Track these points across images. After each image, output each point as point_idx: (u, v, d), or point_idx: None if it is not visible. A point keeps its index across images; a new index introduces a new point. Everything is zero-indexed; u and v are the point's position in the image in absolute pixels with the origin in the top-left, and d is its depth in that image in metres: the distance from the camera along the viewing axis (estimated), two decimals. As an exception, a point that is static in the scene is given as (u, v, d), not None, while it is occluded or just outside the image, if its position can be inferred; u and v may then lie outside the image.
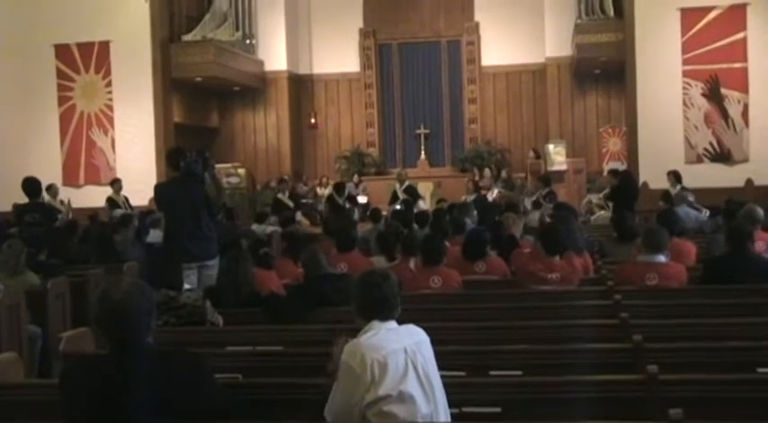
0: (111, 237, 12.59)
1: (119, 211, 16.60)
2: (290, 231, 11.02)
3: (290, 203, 19.57)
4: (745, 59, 19.45)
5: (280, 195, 20.19)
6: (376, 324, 4.22)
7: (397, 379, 4.06)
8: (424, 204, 18.49)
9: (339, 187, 19.67)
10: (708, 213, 13.51)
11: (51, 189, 18.11)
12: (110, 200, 18.13)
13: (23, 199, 12.21)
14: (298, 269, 8.50)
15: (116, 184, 18.46)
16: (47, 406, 4.46)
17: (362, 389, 4.03)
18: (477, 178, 21.86)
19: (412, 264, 8.53)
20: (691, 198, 14.53)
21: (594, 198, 18.55)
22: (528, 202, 16.56)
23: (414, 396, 4.07)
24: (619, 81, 22.21)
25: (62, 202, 17.39)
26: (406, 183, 20.32)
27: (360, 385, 4.04)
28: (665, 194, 14.75)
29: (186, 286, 7.27)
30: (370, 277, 4.35)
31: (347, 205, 18.12)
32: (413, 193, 19.19)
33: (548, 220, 11.14)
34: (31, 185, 12.19)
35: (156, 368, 3.92)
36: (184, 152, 9.68)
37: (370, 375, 4.03)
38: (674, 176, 16.68)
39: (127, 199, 18.29)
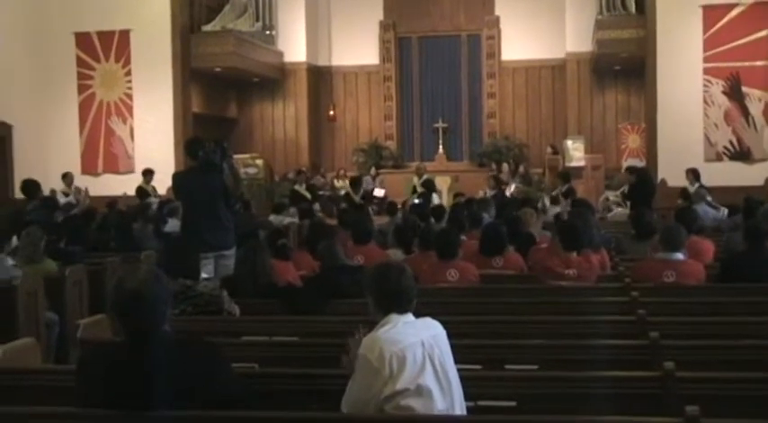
0: (129, 225, 12.65)
1: (153, 200, 16.63)
2: (316, 221, 11.02)
3: (308, 195, 19.60)
4: (766, 58, 19.33)
5: (297, 187, 20.23)
6: (393, 317, 4.21)
7: (414, 373, 4.05)
8: (438, 198, 18.47)
9: (355, 183, 19.67)
10: (726, 212, 13.45)
11: (67, 177, 18.23)
12: (140, 189, 18.15)
13: (43, 186, 12.27)
14: (314, 261, 8.51)
15: (148, 174, 18.59)
16: (63, 391, 4.48)
17: (380, 382, 4.02)
18: (498, 173, 21.80)
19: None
20: (708, 197, 14.48)
21: (612, 195, 18.49)
22: (546, 198, 16.54)
23: (431, 389, 4.07)
24: (639, 77, 22.11)
25: (78, 189, 17.48)
26: (425, 176, 20.31)
27: (378, 379, 4.03)
28: (684, 192, 14.71)
29: (203, 275, 7.29)
30: (387, 270, 4.34)
31: (362, 202, 18.13)
32: (430, 187, 19.19)
33: (565, 216, 11.11)
34: (27, 187, 12.25)
35: (173, 356, 3.94)
36: (203, 142, 9.71)
37: (389, 369, 4.02)
38: (693, 174, 16.63)
39: (155, 188, 18.35)
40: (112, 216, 13.83)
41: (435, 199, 17.88)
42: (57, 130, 21.06)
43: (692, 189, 15.55)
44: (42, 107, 20.67)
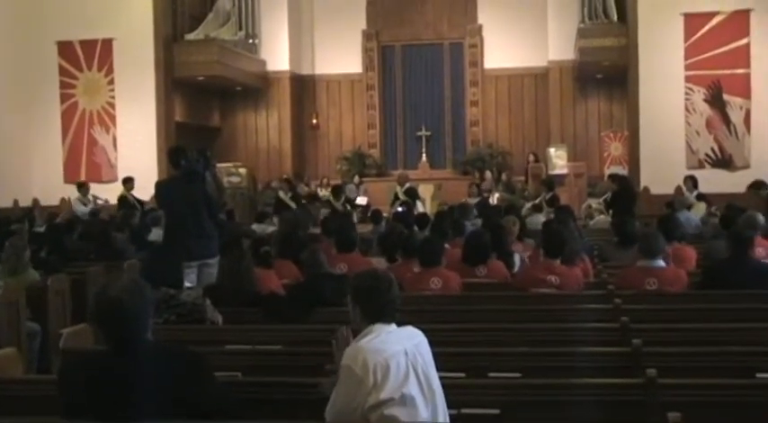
0: (110, 234, 12.61)
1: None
2: (287, 232, 11.00)
3: (292, 204, 19.56)
4: (747, 65, 19.44)
5: (281, 194, 20.19)
6: (377, 327, 4.19)
7: (398, 382, 4.04)
8: (422, 207, 18.47)
9: (336, 191, 19.65)
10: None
11: (83, 187, 18.21)
12: (122, 198, 18.05)
13: (26, 196, 12.25)
14: (296, 269, 8.49)
15: (129, 182, 18.38)
16: (45, 401, 4.46)
17: (364, 392, 4.01)
18: (479, 182, 21.83)
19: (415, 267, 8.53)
20: (705, 209, 14.50)
21: (594, 202, 18.52)
22: (527, 206, 16.55)
23: (415, 398, 4.06)
24: (621, 85, 22.21)
25: (95, 198, 17.56)
26: (407, 185, 20.32)
27: (361, 389, 4.01)
28: (670, 201, 14.76)
29: (186, 284, 7.27)
30: (377, 281, 4.30)
31: (347, 208, 18.11)
32: (413, 196, 19.19)
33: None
34: None
35: (156, 365, 3.93)
36: (185, 151, 9.71)
37: (373, 379, 4.00)
38: (692, 181, 16.47)
39: (136, 198, 18.26)
40: (94, 225, 13.78)
41: (419, 207, 17.88)
42: (39, 138, 21.01)
43: (690, 196, 15.58)
44: (25, 116, 20.61)
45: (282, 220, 12.56)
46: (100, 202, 17.69)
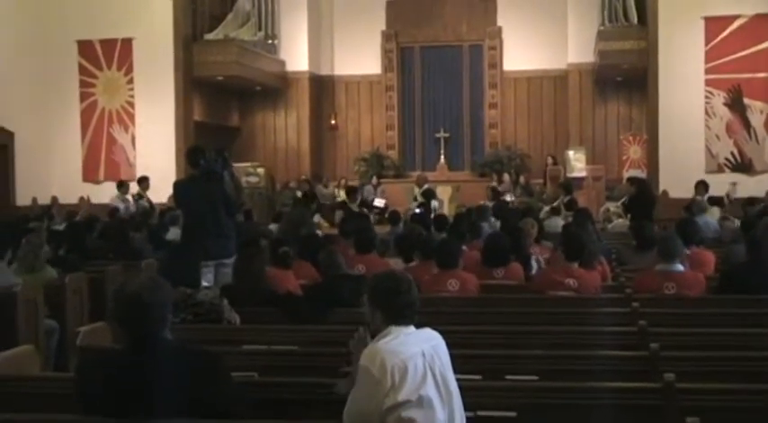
0: (128, 233, 12.64)
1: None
2: (306, 233, 11.02)
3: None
4: (768, 70, 19.38)
5: (299, 194, 20.18)
6: (394, 328, 4.18)
7: (416, 384, 4.03)
8: (438, 207, 18.45)
9: (351, 192, 19.62)
10: (737, 222, 13.37)
11: (123, 186, 18.23)
12: (137, 196, 18.10)
13: (45, 194, 12.29)
14: (314, 270, 8.49)
15: (144, 182, 18.38)
16: (62, 398, 4.48)
17: (381, 394, 3.99)
18: (496, 184, 21.80)
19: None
20: (719, 213, 14.43)
21: (612, 206, 18.46)
22: (546, 209, 16.51)
23: (432, 400, 4.05)
24: (641, 89, 22.14)
25: (140, 195, 17.60)
26: (425, 186, 20.31)
27: (379, 390, 3.99)
28: (689, 205, 14.68)
29: (204, 284, 7.29)
30: (398, 283, 4.28)
31: (362, 210, 18.10)
32: (430, 197, 19.17)
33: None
34: None
35: (174, 364, 3.94)
36: (204, 150, 9.71)
37: (390, 381, 3.99)
38: (703, 186, 16.38)
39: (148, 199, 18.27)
40: (113, 224, 13.82)
41: (434, 206, 17.85)
42: (59, 137, 21.10)
43: (703, 201, 15.50)
44: (44, 114, 20.70)
45: (285, 220, 12.58)
46: (142, 202, 17.60)
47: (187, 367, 3.98)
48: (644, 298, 7.14)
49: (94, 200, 20.05)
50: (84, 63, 21.29)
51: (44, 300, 8.76)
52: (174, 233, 12.82)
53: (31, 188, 20.05)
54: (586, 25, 22.85)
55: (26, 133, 20.02)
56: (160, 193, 17.99)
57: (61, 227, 13.71)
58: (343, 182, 23.76)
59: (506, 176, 23.06)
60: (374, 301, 4.26)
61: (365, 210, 18.82)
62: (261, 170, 23.29)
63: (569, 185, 17.93)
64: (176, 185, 10.21)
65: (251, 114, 25.86)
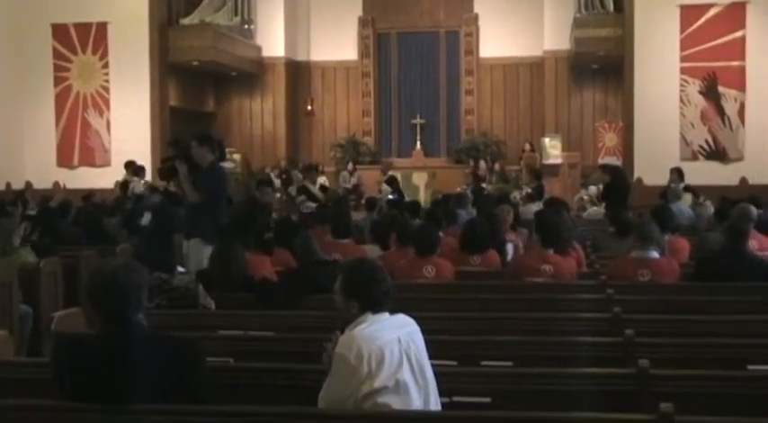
0: (101, 219, 12.58)
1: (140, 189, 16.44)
2: (281, 218, 10.97)
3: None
4: (743, 58, 19.43)
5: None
6: (370, 316, 4.18)
7: (392, 370, 4.05)
8: (397, 195, 18.42)
9: (308, 169, 19.30)
10: (712, 209, 13.42)
11: (142, 172, 17.86)
12: (124, 184, 17.32)
13: (18, 179, 12.19)
14: (289, 256, 8.47)
15: (130, 167, 17.84)
16: (36, 384, 4.46)
17: (358, 381, 4.00)
18: (479, 171, 21.83)
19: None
20: (688, 195, 14.50)
21: (586, 195, 18.52)
22: (519, 195, 16.55)
23: (408, 385, 4.06)
24: (616, 76, 22.20)
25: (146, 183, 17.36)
26: (390, 173, 20.32)
27: (355, 377, 4.01)
28: (664, 191, 14.74)
29: (179, 269, 7.27)
30: (374, 272, 4.30)
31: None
32: (393, 184, 19.17)
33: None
34: None
35: (148, 349, 3.93)
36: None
37: (367, 367, 4.00)
38: (677, 173, 16.40)
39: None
40: (87, 209, 13.74)
41: (388, 194, 17.87)
42: (33, 121, 20.94)
43: (677, 188, 15.54)
44: (18, 99, 20.55)
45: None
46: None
47: (162, 352, 3.97)
48: (619, 284, 7.16)
49: (69, 185, 19.90)
50: (59, 47, 21.11)
51: (18, 284, 8.70)
52: (146, 219, 12.74)
53: (4, 173, 19.91)
54: (563, 12, 22.93)
55: (0, 117, 19.88)
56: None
57: (35, 212, 13.62)
58: (320, 168, 23.60)
59: (482, 163, 23.10)
60: (350, 290, 4.25)
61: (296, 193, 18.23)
62: (237, 156, 23.25)
63: (539, 172, 17.98)
64: (222, 170, 10.13)
65: (227, 100, 25.78)
